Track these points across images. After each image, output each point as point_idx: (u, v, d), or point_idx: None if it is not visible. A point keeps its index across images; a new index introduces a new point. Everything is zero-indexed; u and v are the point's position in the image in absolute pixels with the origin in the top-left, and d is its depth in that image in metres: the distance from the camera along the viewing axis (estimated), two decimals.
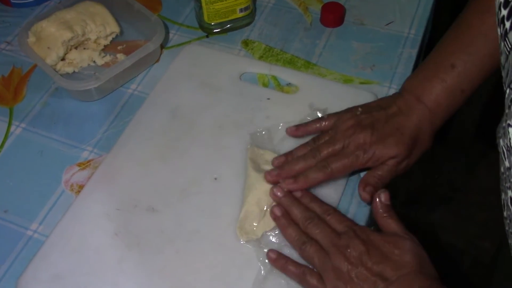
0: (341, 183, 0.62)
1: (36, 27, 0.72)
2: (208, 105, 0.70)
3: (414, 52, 0.76)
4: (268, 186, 0.59)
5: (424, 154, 0.63)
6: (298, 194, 0.59)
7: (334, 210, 0.56)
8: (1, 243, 0.59)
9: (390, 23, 0.80)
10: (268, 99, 0.70)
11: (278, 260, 0.55)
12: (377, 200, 0.55)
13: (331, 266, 0.51)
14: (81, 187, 0.63)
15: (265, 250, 0.56)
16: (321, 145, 0.61)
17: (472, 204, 1.51)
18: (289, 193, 0.58)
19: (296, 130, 0.65)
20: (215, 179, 0.63)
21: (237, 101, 0.70)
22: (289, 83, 0.73)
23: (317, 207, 0.57)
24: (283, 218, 0.57)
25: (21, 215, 0.61)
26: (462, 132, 1.61)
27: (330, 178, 0.59)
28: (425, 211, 1.51)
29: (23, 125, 0.70)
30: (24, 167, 0.66)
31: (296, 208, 0.57)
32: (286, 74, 0.73)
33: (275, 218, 0.57)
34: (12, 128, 0.69)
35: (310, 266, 0.54)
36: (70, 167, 0.65)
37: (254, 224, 0.58)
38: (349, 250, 0.51)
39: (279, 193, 0.58)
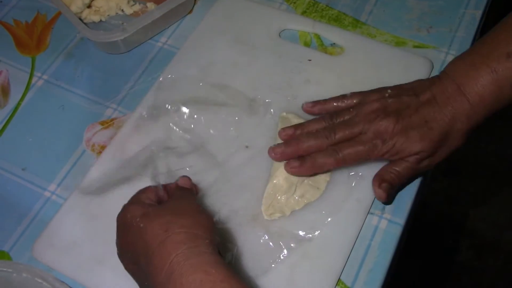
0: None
1: None
2: (242, 64, 0.64)
3: (479, 13, 0.67)
4: None
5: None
6: None
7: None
8: (18, 204, 0.56)
9: None
10: (309, 60, 0.63)
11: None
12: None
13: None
14: (102, 147, 0.59)
15: (295, 232, 0.51)
16: (337, 124, 0.54)
17: None
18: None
19: (312, 107, 0.58)
20: (246, 147, 0.58)
21: (275, 61, 0.64)
22: (334, 44, 0.66)
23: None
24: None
25: (40, 174, 0.58)
26: None
27: (340, 166, 0.53)
28: (467, 182, 1.44)
29: (45, 77, 0.65)
30: (44, 123, 0.62)
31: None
32: (330, 33, 0.66)
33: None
34: (34, 79, 0.65)
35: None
36: (92, 125, 0.61)
37: (282, 200, 0.53)
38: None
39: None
